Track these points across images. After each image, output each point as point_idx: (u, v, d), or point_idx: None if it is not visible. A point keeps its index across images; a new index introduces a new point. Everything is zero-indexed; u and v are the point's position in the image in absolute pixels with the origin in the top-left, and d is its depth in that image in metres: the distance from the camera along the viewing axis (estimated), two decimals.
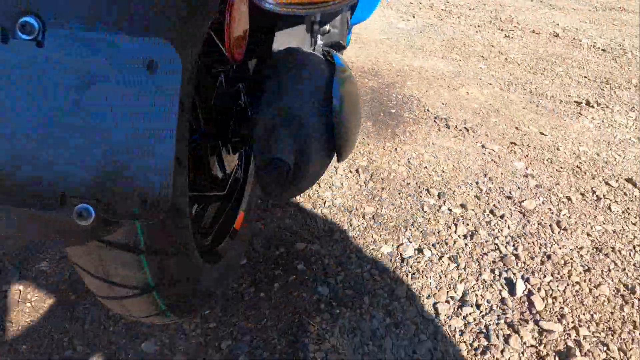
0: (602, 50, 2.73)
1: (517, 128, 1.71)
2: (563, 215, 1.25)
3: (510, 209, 1.26)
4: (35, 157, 0.36)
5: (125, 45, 0.35)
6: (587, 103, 1.96)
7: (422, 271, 1.03)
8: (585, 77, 2.27)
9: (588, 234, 1.19)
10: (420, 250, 1.09)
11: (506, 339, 0.88)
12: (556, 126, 1.75)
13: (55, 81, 0.35)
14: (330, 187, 1.28)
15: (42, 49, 0.35)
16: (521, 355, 0.86)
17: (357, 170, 1.37)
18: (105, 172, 0.36)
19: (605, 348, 0.88)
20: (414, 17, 3.08)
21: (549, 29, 3.07)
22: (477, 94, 1.97)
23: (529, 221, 1.22)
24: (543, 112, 1.86)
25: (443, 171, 1.40)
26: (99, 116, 0.35)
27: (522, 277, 1.03)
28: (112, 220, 0.39)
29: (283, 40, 0.79)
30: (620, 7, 3.99)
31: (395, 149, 1.50)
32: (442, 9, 3.31)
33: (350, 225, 1.15)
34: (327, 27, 0.97)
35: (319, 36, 0.90)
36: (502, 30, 2.96)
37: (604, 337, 0.91)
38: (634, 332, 0.92)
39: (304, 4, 0.44)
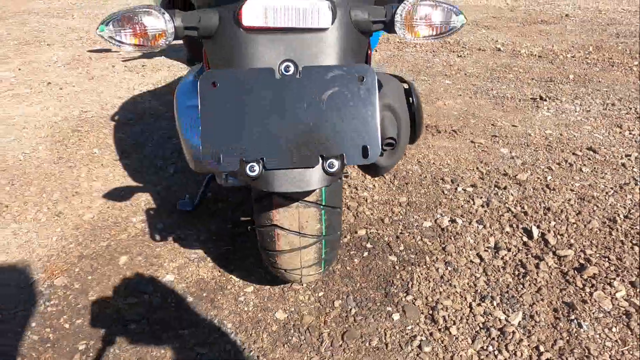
0: (539, 56, 3.24)
1: (493, 124, 2.07)
2: (549, 180, 1.59)
3: (509, 182, 1.59)
4: (302, 138, 0.63)
5: (345, 70, 0.64)
6: (541, 98, 2.38)
7: (460, 233, 1.31)
8: (532, 79, 2.72)
9: (571, 190, 1.53)
10: (453, 221, 1.38)
11: (537, 265, 1.18)
12: (523, 119, 2.13)
13: (311, 95, 0.63)
14: (365, 189, 1.57)
15: (300, 79, 0.63)
16: (550, 273, 1.15)
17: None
18: (343, 140, 0.63)
19: (607, 259, 1.19)
20: (376, 51, 3.51)
21: (491, 46, 3.58)
22: (453, 103, 2.35)
23: (525, 188, 1.54)
24: (509, 110, 2.25)
25: (448, 164, 1.73)
26: (339, 109, 0.63)
27: (534, 225, 1.34)
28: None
29: None
30: (541, 20, 4.65)
31: (405, 154, 1.81)
32: (398, 41, 3.78)
33: (393, 212, 1.43)
34: None
35: None
36: (454, 51, 3.43)
37: (604, 253, 1.22)
38: (622, 246, 1.24)
39: (430, 36, 0.73)
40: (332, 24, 0.68)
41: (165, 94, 2.66)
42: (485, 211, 1.42)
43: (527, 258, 1.21)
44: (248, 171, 0.63)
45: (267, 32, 0.67)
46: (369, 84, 0.62)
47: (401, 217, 1.41)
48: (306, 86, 0.62)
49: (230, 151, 0.63)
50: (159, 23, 0.67)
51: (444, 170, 1.67)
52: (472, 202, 1.46)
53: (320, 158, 0.63)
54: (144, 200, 1.52)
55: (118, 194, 1.56)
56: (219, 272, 1.18)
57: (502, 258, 1.21)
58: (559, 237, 1.29)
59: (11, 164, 1.80)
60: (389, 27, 0.73)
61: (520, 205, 1.44)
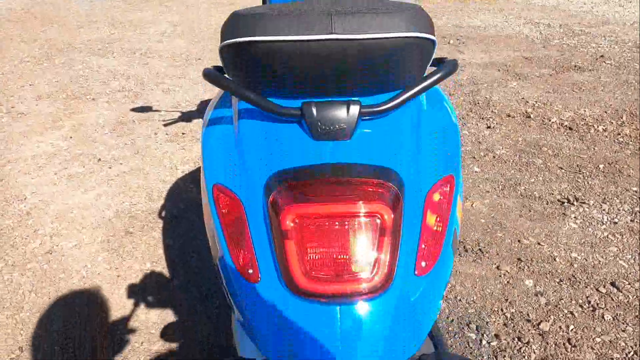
0: (570, 128, 3.25)
1: (519, 241, 2.16)
2: (571, 332, 1.68)
3: (531, 332, 1.69)
4: None
5: None
6: (568, 201, 2.43)
7: None
8: (561, 168, 2.76)
9: (592, 347, 1.62)
10: None
11: None
12: (549, 233, 2.20)
13: None
14: None
15: None
16: None
17: None
18: None
19: None
20: None
21: (521, 109, 3.59)
22: (480, 206, 2.43)
23: (547, 343, 1.64)
24: (536, 217, 2.32)
25: (474, 301, 1.83)
26: None
27: None
28: None
29: None
30: (574, 65, 4.59)
31: None
32: None
33: None
34: None
35: None
36: (483, 118, 3.47)
37: None
38: None
39: None
40: None
41: None
42: None
43: None
44: None
45: None
46: None
47: None
48: None
49: None
50: None
51: (470, 312, 1.78)
52: None
53: None
54: (194, 350, 1.70)
55: (170, 335, 1.74)
56: None
57: None
58: None
59: (76, 282, 2.01)
60: None
61: None
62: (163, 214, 2.50)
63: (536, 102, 3.70)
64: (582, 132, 3.18)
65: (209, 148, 0.94)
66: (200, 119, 3.70)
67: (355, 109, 0.80)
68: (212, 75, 0.84)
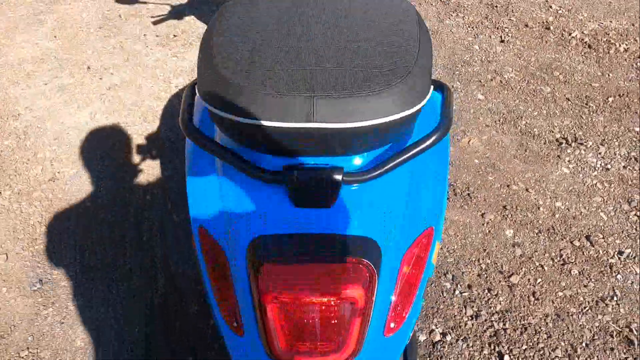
0: (589, 46, 3.02)
1: (508, 186, 2.21)
2: (537, 285, 1.85)
3: (501, 284, 1.85)
4: None
5: None
6: (566, 141, 2.40)
7: (447, 354, 1.67)
8: (568, 98, 2.65)
9: (552, 301, 1.80)
10: (444, 335, 1.72)
11: None
12: (539, 178, 2.24)
13: None
14: None
15: None
16: None
17: None
18: None
19: None
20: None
21: (542, 17, 3.28)
22: (478, 143, 2.41)
23: (514, 295, 1.82)
24: (530, 159, 2.33)
25: (454, 250, 1.97)
26: None
27: (508, 349, 1.67)
28: None
29: None
30: None
31: None
32: (440, 15, 3.47)
33: None
34: None
35: None
36: (498, 28, 3.20)
37: None
38: None
39: None
40: None
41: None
42: (473, 325, 1.74)
43: None
44: None
45: None
46: None
47: None
48: None
49: None
50: None
51: (449, 261, 1.93)
52: (464, 312, 1.77)
53: None
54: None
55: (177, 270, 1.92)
56: None
57: None
58: None
59: (82, 213, 2.13)
60: None
61: (503, 320, 1.75)
62: (159, 137, 2.50)
63: (560, 7, 3.36)
64: (602, 51, 2.97)
65: (192, 183, 0.93)
66: (193, 16, 3.42)
67: (337, 178, 0.79)
68: (193, 135, 0.80)
